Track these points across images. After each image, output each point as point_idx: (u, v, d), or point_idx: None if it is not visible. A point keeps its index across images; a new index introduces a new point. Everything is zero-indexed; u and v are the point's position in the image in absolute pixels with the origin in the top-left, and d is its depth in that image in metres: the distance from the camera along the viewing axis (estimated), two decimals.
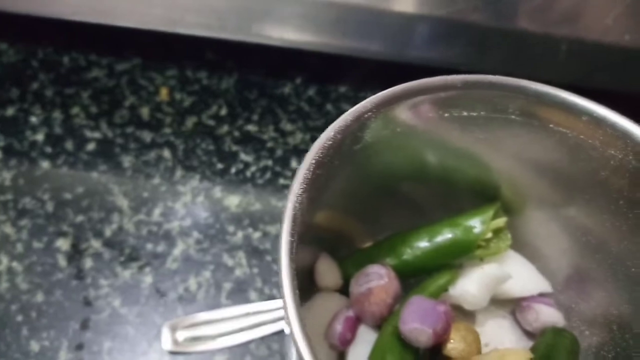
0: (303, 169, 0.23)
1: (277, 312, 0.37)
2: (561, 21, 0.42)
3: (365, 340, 0.30)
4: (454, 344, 0.28)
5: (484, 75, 0.28)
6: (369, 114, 0.26)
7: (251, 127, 0.46)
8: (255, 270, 0.39)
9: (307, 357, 0.19)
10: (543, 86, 0.27)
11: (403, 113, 0.27)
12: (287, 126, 0.47)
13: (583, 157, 0.29)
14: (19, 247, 0.39)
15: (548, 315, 0.32)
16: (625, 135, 0.27)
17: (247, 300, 0.38)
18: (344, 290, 0.32)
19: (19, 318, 0.36)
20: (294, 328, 0.20)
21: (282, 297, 0.21)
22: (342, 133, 0.25)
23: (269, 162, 0.44)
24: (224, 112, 0.47)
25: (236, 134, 0.46)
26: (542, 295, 0.33)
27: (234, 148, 0.45)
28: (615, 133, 0.27)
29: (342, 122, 0.25)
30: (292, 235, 0.21)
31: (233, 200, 0.42)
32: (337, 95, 0.50)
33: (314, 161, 0.23)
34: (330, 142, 0.24)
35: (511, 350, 0.28)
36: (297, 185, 0.22)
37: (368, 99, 0.26)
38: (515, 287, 0.32)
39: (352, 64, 0.50)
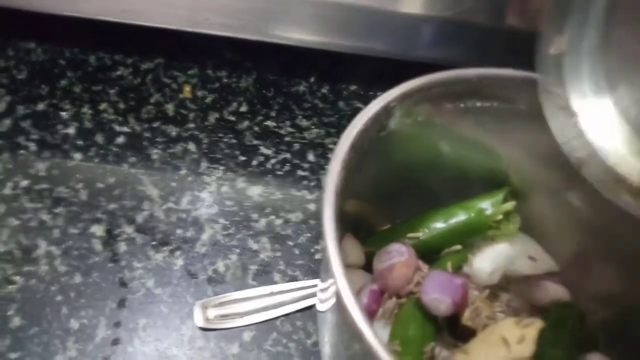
0: (340, 149, 0.26)
1: (300, 292, 0.40)
2: None
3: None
4: (471, 314, 0.31)
5: (496, 68, 0.31)
6: (395, 102, 0.28)
7: (269, 123, 0.49)
8: (279, 254, 0.41)
9: (357, 316, 0.22)
10: None
11: (424, 103, 0.30)
12: (303, 122, 0.50)
13: None
14: (56, 233, 0.41)
15: (555, 291, 0.35)
16: None
17: (272, 282, 0.40)
18: (365, 267, 0.34)
19: (59, 298, 0.39)
20: (343, 289, 0.22)
21: (326, 267, 0.23)
22: (372, 120, 0.27)
23: (288, 155, 0.47)
24: (243, 108, 0.50)
25: (256, 128, 0.48)
26: (549, 273, 0.35)
27: (255, 142, 0.47)
28: None
29: (372, 109, 0.27)
30: (334, 208, 0.24)
31: (255, 190, 0.45)
32: (348, 93, 0.52)
33: (349, 143, 0.26)
34: (362, 128, 0.27)
35: (525, 319, 0.30)
36: (335, 164, 0.25)
37: (394, 89, 0.28)
38: (524, 266, 0.35)
39: (362, 63, 0.52)
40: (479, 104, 0.32)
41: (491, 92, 0.31)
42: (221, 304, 0.39)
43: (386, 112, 0.28)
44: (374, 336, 0.22)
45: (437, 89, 0.30)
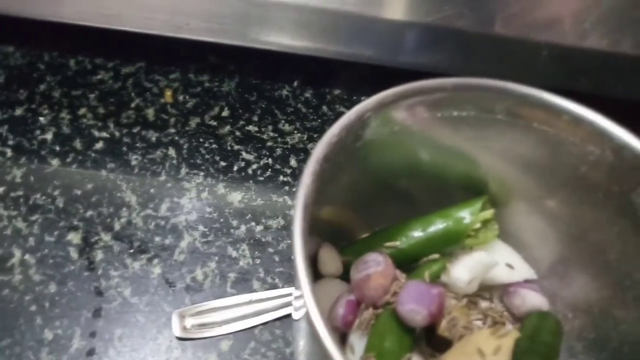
0: (312, 162, 0.25)
1: (279, 300, 0.39)
2: (542, 27, 0.45)
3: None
4: (448, 324, 0.31)
5: (473, 78, 0.30)
6: (370, 113, 0.28)
7: (251, 128, 0.49)
8: (258, 261, 0.41)
9: (322, 332, 0.21)
10: (527, 88, 0.30)
11: (400, 112, 0.29)
12: (286, 126, 0.49)
13: (564, 153, 0.31)
14: (31, 241, 0.41)
15: (533, 300, 0.34)
16: (603, 132, 0.30)
17: (251, 289, 0.40)
18: (344, 276, 0.34)
19: (33, 308, 0.38)
20: (310, 305, 0.22)
21: (296, 279, 0.23)
22: (346, 130, 0.27)
23: (269, 161, 0.47)
24: (225, 113, 0.49)
25: (237, 133, 0.48)
26: (527, 281, 0.35)
27: (236, 147, 0.47)
28: (593, 130, 0.30)
29: (346, 120, 0.27)
30: (304, 220, 0.23)
31: (236, 196, 0.44)
32: (332, 98, 0.52)
33: (321, 155, 0.26)
34: (336, 139, 0.27)
35: (501, 329, 0.30)
36: (307, 177, 0.25)
37: (369, 99, 0.28)
38: (502, 274, 0.35)
39: (346, 68, 0.52)
40: (456, 113, 0.31)
41: (468, 101, 0.31)
42: (199, 313, 0.38)
43: (361, 122, 0.28)
44: (340, 356, 0.22)
45: (413, 98, 0.29)
